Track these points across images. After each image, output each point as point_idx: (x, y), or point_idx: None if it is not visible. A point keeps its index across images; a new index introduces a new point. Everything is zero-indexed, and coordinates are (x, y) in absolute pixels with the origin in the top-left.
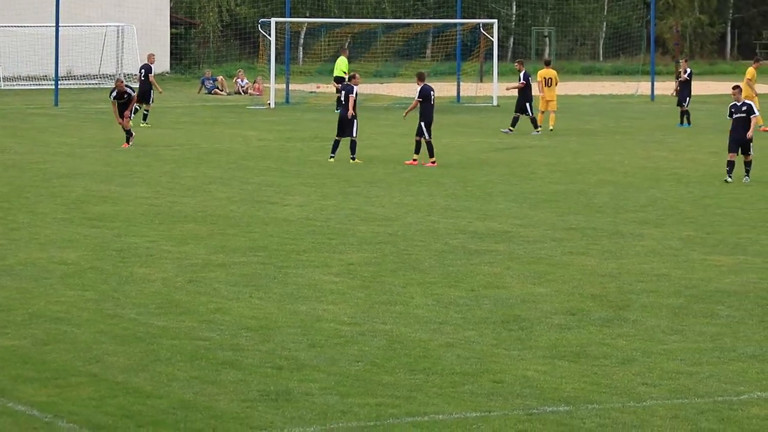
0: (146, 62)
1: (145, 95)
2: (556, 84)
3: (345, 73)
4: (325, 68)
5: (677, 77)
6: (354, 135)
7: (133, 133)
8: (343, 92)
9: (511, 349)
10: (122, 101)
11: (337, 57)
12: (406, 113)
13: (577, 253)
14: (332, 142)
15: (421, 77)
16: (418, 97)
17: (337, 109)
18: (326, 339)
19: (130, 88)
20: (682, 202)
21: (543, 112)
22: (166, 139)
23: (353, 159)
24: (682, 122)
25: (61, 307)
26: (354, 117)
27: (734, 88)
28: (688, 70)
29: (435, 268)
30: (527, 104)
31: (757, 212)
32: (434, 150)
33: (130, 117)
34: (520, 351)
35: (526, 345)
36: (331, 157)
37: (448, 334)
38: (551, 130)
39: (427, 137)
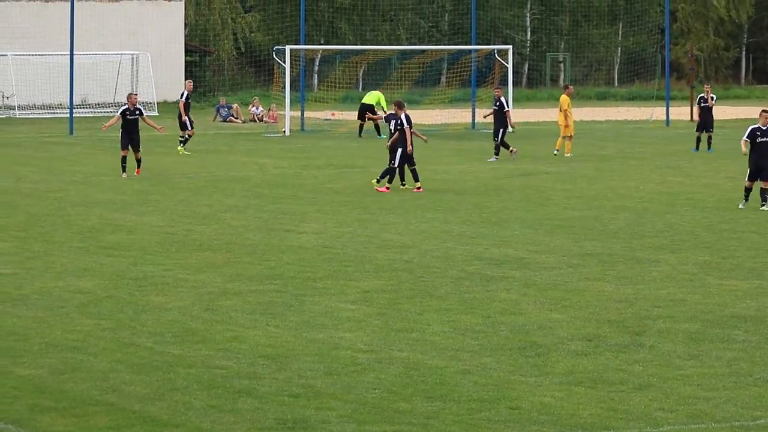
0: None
1: (181, 122)
2: (564, 109)
3: (382, 108)
4: (350, 95)
5: (700, 103)
6: (394, 164)
7: (125, 167)
8: (392, 121)
9: (528, 376)
10: (132, 118)
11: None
12: (409, 145)
13: (594, 279)
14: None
15: (400, 105)
16: (407, 125)
17: (361, 135)
18: (343, 367)
19: (143, 106)
20: (698, 227)
21: (563, 138)
22: (181, 167)
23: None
24: (697, 147)
25: (78, 336)
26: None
27: (764, 111)
28: (714, 96)
29: (451, 295)
30: (501, 129)
31: None
32: (396, 177)
33: (139, 149)
34: (537, 377)
35: (543, 371)
36: (402, 184)
37: (464, 361)
38: (567, 156)
39: (394, 164)
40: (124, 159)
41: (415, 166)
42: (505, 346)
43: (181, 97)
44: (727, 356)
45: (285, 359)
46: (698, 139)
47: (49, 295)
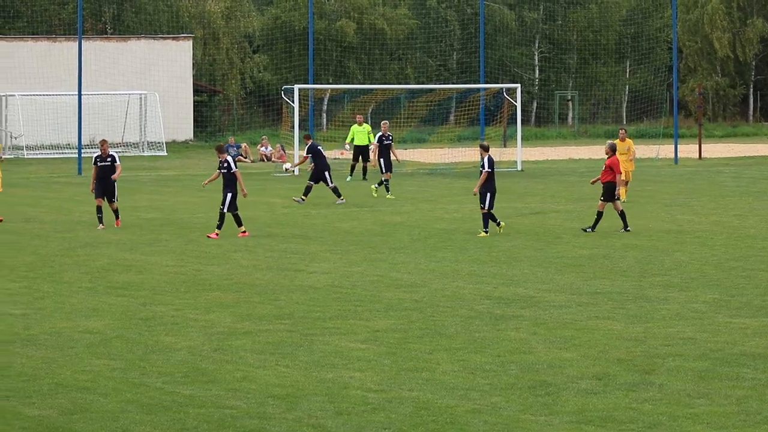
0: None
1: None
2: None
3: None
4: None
5: None
6: (224, 209)
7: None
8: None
9: (538, 415)
10: (102, 164)
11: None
12: (243, 190)
13: (603, 317)
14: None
15: (221, 150)
16: (235, 168)
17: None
18: (353, 406)
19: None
20: (707, 265)
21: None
22: (190, 207)
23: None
24: None
25: (87, 377)
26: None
27: None
28: None
29: (461, 334)
30: (326, 173)
31: None
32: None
33: (115, 200)
34: (547, 416)
35: (553, 410)
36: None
37: (474, 401)
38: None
39: (224, 209)
40: (99, 209)
41: (238, 211)
42: (515, 385)
43: (375, 140)
44: (737, 394)
45: (295, 399)
46: None
47: (59, 336)
